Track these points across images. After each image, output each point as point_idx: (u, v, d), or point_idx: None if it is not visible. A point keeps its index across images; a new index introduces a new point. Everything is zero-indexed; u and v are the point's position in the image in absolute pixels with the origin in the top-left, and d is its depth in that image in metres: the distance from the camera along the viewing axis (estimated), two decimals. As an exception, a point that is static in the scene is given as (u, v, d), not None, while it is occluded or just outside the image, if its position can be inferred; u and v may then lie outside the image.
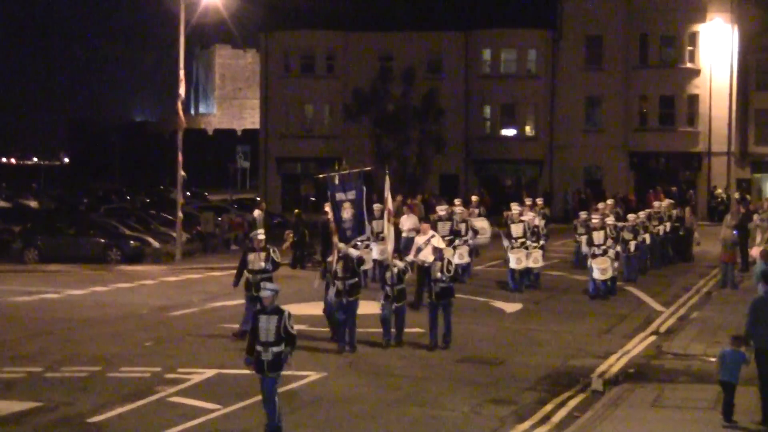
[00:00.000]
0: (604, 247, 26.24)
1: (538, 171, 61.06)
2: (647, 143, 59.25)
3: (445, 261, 19.92)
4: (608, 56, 59.96)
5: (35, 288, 29.36)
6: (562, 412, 15.28)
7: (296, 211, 37.57)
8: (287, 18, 61.41)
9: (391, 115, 56.22)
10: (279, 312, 13.79)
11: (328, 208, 33.82)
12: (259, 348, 13.69)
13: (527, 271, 27.94)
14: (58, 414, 14.94)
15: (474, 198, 36.22)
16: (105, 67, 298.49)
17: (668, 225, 33.98)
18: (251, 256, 20.70)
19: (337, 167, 22.37)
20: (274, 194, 61.52)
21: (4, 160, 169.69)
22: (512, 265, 27.44)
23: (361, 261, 20.28)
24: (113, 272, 33.68)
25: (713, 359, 17.11)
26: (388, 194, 21.44)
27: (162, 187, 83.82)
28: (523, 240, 27.44)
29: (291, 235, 34.32)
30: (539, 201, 36.29)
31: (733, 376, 14.33)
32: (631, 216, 31.14)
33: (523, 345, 20.68)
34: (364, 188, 20.46)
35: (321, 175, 23.35)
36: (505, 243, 27.81)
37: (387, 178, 21.38)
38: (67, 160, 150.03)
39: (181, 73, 37.79)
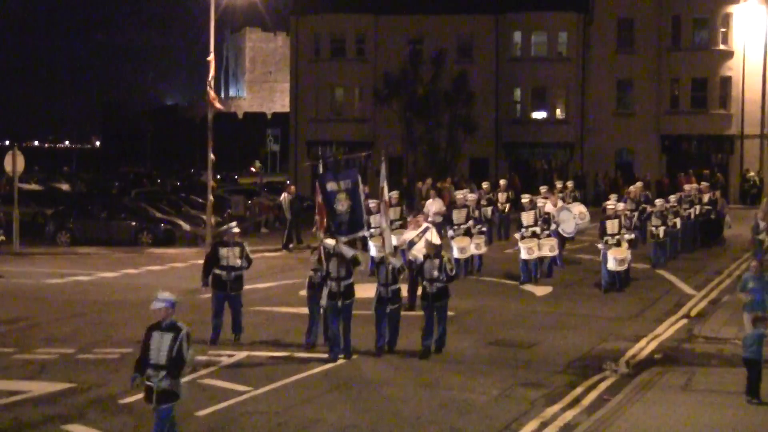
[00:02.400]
0: (618, 237, 25.02)
1: (569, 154, 60.74)
2: (679, 126, 58.75)
3: (445, 258, 17.98)
4: (640, 39, 59.49)
5: (67, 270, 29.60)
6: (592, 395, 15.26)
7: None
8: (318, 1, 61.37)
9: (422, 99, 56.09)
10: (175, 329, 11.50)
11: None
12: (149, 371, 11.55)
13: (540, 260, 26.73)
14: (91, 395, 15.07)
15: (502, 182, 36.19)
16: (137, 52, 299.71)
17: (698, 208, 33.62)
18: (224, 252, 18.97)
19: (335, 151, 21.65)
20: (304, 178, 61.58)
21: (37, 143, 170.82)
22: (523, 255, 26.09)
23: (356, 261, 17.87)
24: (144, 255, 33.87)
25: (737, 341, 17.07)
26: (384, 183, 18.83)
27: (192, 171, 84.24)
28: (534, 229, 26.31)
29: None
30: (569, 184, 36.11)
31: (756, 353, 14.38)
32: (658, 201, 30.45)
33: (553, 328, 20.63)
34: (360, 177, 18.46)
35: (307, 163, 22.59)
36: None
37: (383, 164, 19.04)
38: (98, 143, 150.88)
39: (211, 56, 37.81)
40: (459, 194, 28.49)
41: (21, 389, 15.24)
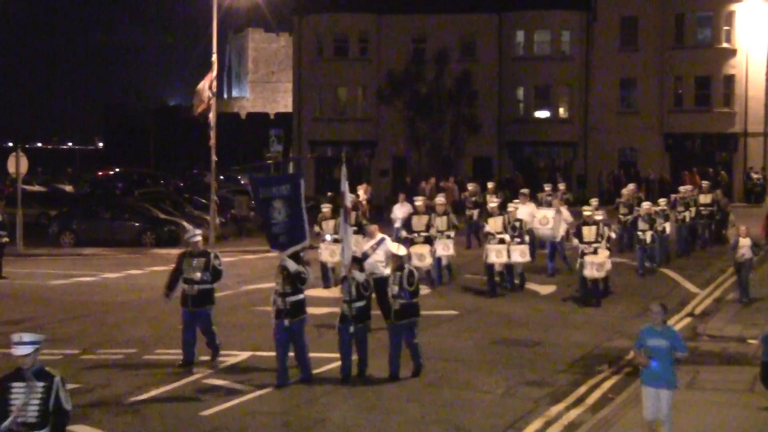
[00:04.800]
0: (595, 245, 23.06)
1: (573, 153, 60.72)
2: (683, 124, 58.68)
3: (405, 272, 16.14)
4: (643, 37, 59.42)
5: (71, 271, 29.64)
6: (596, 394, 15.25)
7: (329, 194, 37.61)
8: (320, 1, 61.36)
9: (425, 98, 56.07)
10: (47, 377, 9.19)
11: (361, 190, 34.13)
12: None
13: (509, 267, 24.78)
14: (95, 395, 15.07)
15: (490, 184, 35.01)
16: (139, 52, 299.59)
17: (693, 210, 32.09)
18: (186, 262, 17.04)
19: (311, 154, 19.66)
20: (308, 178, 61.55)
21: (40, 144, 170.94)
22: (490, 259, 24.23)
23: (301, 277, 15.73)
24: (148, 256, 33.90)
25: (752, 341, 17.00)
26: (345, 187, 16.90)
27: (196, 171, 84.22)
28: (503, 236, 24.13)
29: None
30: (561, 186, 35.24)
31: None
32: (645, 204, 28.69)
33: (557, 327, 20.62)
34: (302, 182, 16.31)
35: (237, 167, 20.19)
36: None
37: (343, 167, 17.21)
38: (101, 144, 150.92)
39: (214, 56, 37.86)
40: (418, 200, 26.51)
41: (25, 390, 15.21)
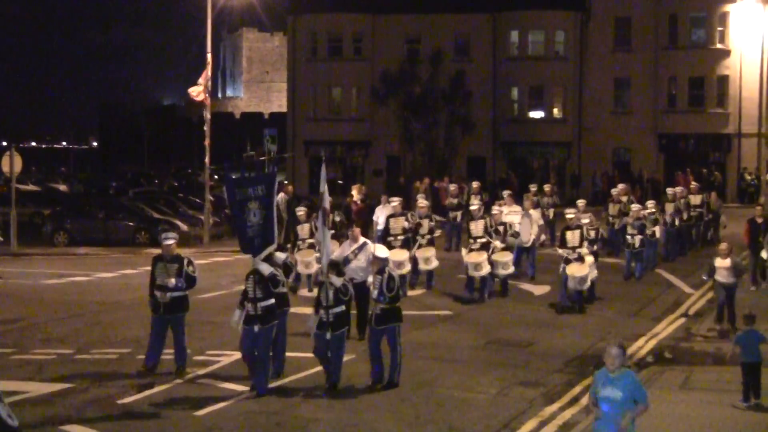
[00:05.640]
0: (579, 250, 22.26)
1: (567, 153, 60.79)
2: (677, 125, 58.78)
3: (386, 276, 15.44)
4: (637, 37, 59.49)
5: (65, 271, 29.60)
6: (590, 394, 15.24)
7: (322, 193, 37.54)
8: (314, 1, 61.36)
9: (419, 98, 56.12)
10: None
11: (355, 190, 34.09)
12: None
13: (489, 277, 23.48)
14: (89, 395, 15.04)
15: (475, 184, 34.06)
16: (134, 52, 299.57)
17: (685, 214, 31.31)
18: (159, 268, 16.35)
19: (251, 151, 18.77)
20: (302, 177, 61.57)
21: (34, 144, 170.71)
22: (470, 271, 23.15)
23: (274, 281, 15.16)
24: (142, 255, 33.80)
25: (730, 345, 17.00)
26: (324, 188, 16.42)
27: (190, 171, 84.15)
28: (483, 240, 23.11)
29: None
30: (547, 188, 33.91)
31: (755, 354, 14.37)
32: (634, 208, 27.96)
33: (551, 327, 20.63)
34: (276, 182, 15.72)
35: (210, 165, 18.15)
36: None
37: (323, 167, 16.83)
38: (96, 144, 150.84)
39: (209, 56, 37.86)
40: (394, 200, 25.68)
41: (19, 390, 15.20)
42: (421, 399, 14.90)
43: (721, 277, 20.03)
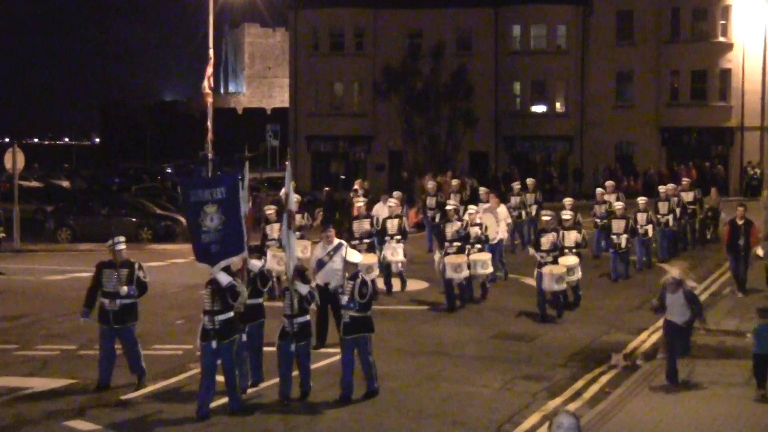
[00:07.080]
0: (554, 254, 21.14)
1: (569, 147, 60.72)
2: (679, 118, 58.69)
3: (358, 281, 14.49)
4: (639, 31, 59.41)
5: (68, 267, 29.57)
6: (593, 388, 15.26)
7: (326, 189, 37.59)
8: (316, -5, 61.35)
9: (421, 93, 56.01)
10: None
11: (357, 185, 34.06)
12: None
13: (468, 281, 22.23)
14: (92, 391, 15.02)
15: (454, 182, 33.57)
16: (136, 48, 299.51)
17: (678, 212, 29.44)
18: (107, 274, 15.34)
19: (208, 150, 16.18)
20: (304, 172, 61.56)
21: (36, 140, 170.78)
22: (447, 274, 21.55)
23: (234, 293, 13.81)
24: (145, 251, 33.81)
25: (749, 335, 16.97)
26: (289, 188, 15.31)
27: (192, 167, 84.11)
28: (459, 243, 21.89)
29: (321, 212, 34.42)
30: (530, 182, 32.58)
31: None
32: (618, 205, 27.19)
33: (554, 321, 20.59)
34: (241, 186, 14.33)
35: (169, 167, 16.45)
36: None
37: (288, 165, 16.12)
38: (98, 140, 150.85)
39: (210, 52, 37.84)
40: (358, 201, 24.72)
41: (22, 385, 15.23)
42: (424, 393, 14.90)
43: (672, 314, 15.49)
